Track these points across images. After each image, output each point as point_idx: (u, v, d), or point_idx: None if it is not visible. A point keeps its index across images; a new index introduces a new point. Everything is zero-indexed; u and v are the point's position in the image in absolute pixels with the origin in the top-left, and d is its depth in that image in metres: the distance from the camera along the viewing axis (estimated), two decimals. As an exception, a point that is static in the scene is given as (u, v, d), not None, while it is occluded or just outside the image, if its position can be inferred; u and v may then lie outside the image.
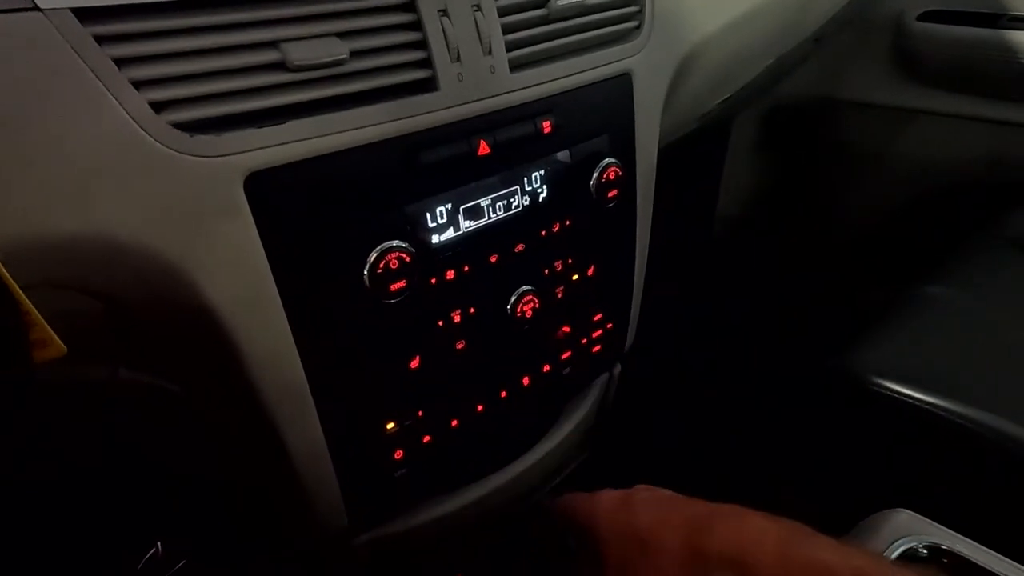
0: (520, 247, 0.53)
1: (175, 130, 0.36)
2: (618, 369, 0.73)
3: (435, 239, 0.48)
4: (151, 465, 0.78)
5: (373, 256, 0.44)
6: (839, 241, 1.38)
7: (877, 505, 0.55)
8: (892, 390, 0.73)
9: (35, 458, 0.68)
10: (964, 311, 0.84)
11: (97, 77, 0.34)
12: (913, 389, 0.72)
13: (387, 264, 0.44)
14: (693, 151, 1.13)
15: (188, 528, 0.85)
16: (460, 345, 0.52)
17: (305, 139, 0.40)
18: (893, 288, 0.91)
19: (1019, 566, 0.46)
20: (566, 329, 0.61)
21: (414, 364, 0.50)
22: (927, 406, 0.71)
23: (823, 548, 0.35)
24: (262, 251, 0.40)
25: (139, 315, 0.42)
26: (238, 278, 0.40)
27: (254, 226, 0.40)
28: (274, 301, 0.42)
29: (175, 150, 0.36)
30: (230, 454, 0.65)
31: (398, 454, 0.52)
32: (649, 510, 0.39)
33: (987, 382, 0.72)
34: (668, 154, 0.66)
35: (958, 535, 0.48)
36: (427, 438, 0.54)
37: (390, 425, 0.51)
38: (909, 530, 0.49)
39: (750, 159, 1.44)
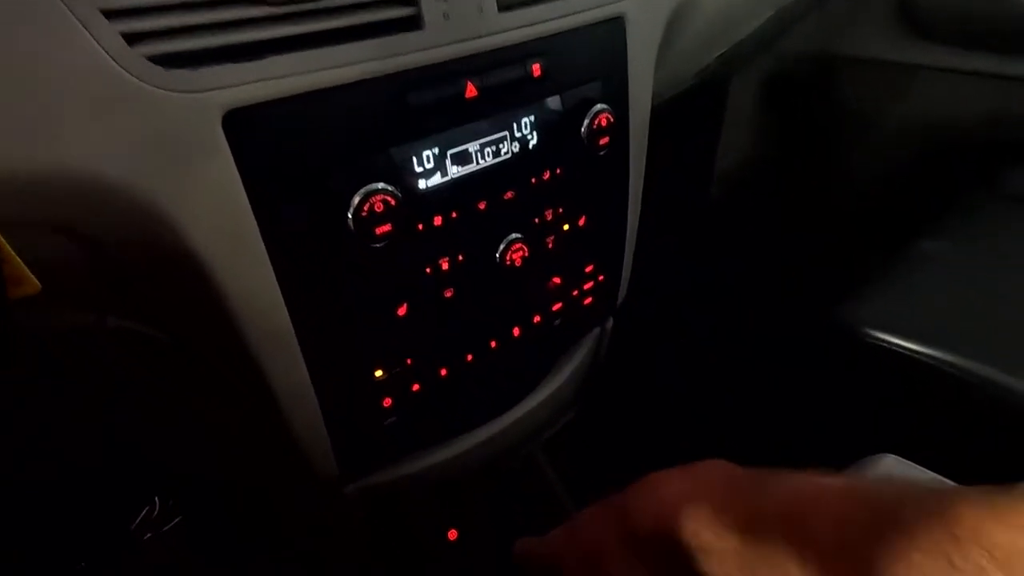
0: (509, 194, 0.53)
1: (150, 63, 0.35)
2: (610, 323, 0.73)
3: (422, 184, 0.47)
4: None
5: (357, 199, 0.43)
6: (838, 198, 1.37)
7: (870, 453, 0.55)
8: (886, 341, 0.73)
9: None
10: (961, 266, 0.84)
11: (66, 6, 0.33)
12: (906, 340, 0.72)
13: (372, 207, 0.43)
14: (691, 109, 1.12)
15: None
16: (448, 293, 0.52)
17: (285, 76, 0.39)
18: (892, 245, 0.90)
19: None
20: (557, 280, 0.60)
21: (401, 311, 0.50)
22: (920, 356, 0.71)
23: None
24: (243, 192, 0.40)
25: (122, 258, 0.41)
26: (219, 219, 0.40)
27: (234, 165, 0.39)
28: (257, 243, 0.41)
29: (150, 84, 0.35)
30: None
31: (387, 402, 0.52)
32: (585, 522, 0.38)
33: (980, 333, 0.72)
34: (666, 111, 0.65)
35: (944, 478, 0.48)
36: (416, 387, 0.54)
37: (378, 373, 0.51)
38: (896, 473, 0.49)
39: (749, 117, 1.42)
